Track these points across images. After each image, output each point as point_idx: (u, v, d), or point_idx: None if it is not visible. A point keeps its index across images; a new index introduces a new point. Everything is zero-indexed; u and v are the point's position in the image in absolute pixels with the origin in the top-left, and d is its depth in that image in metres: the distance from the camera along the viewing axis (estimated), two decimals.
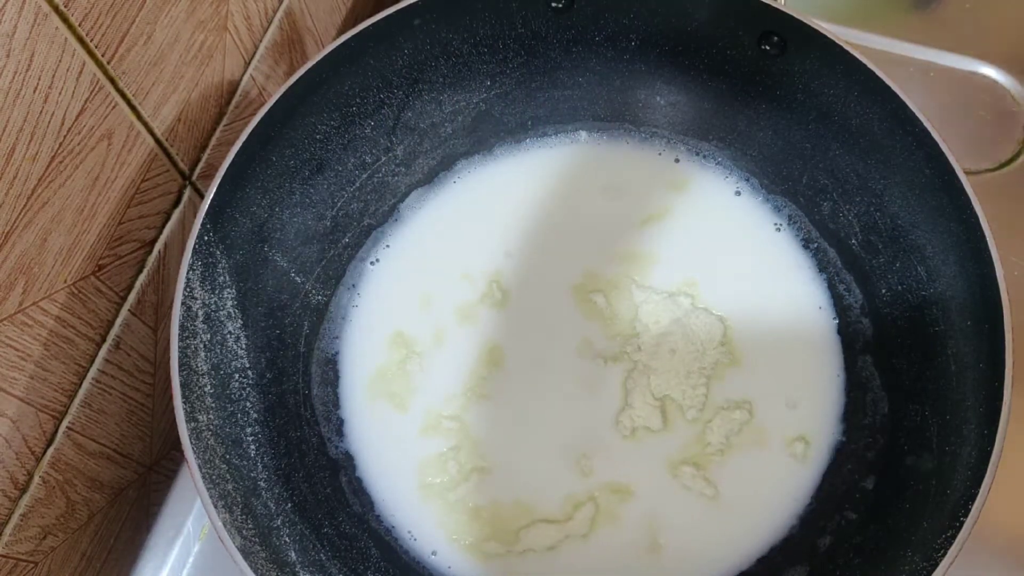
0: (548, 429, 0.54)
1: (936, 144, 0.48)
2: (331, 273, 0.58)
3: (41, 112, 0.40)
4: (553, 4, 0.55)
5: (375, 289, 0.58)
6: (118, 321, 0.50)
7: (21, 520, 0.46)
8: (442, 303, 0.57)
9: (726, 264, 0.58)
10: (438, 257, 0.59)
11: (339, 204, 0.57)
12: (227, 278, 0.49)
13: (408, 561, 0.52)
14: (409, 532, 0.52)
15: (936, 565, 0.40)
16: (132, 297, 0.51)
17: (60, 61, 0.40)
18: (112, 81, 0.44)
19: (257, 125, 0.49)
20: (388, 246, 0.59)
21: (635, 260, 0.58)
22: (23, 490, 0.46)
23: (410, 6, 0.52)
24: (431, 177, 0.61)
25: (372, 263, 0.59)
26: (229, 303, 0.49)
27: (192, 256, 0.46)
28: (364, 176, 0.58)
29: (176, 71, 0.49)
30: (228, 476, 0.45)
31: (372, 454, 0.54)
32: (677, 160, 0.61)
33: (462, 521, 0.52)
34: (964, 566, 0.40)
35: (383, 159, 0.58)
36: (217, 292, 0.48)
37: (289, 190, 0.53)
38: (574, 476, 0.53)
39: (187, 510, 0.54)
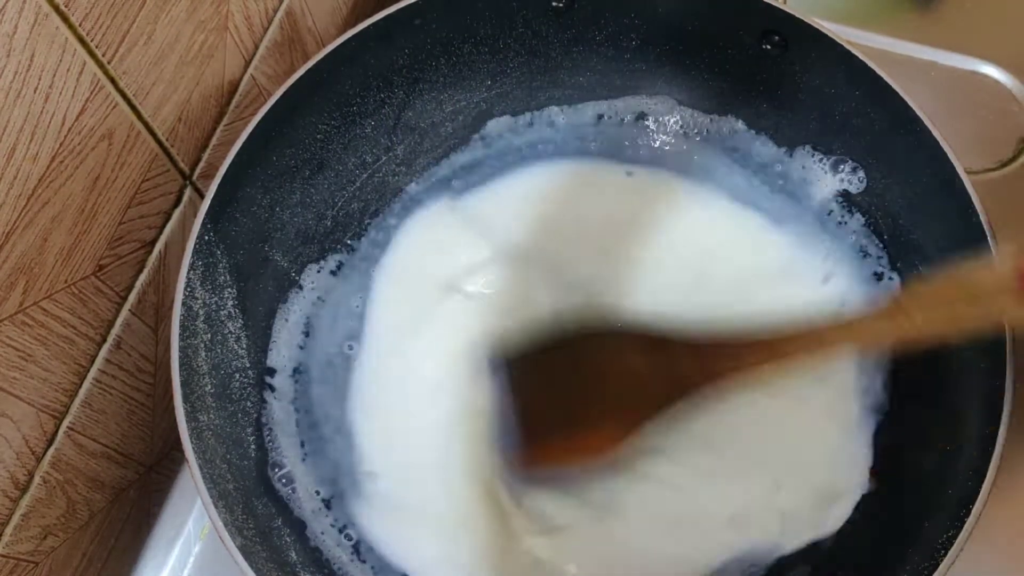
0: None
1: (937, 143, 0.48)
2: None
3: (41, 112, 0.40)
4: (554, 3, 0.55)
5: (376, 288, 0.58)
6: (118, 321, 0.50)
7: (22, 520, 0.46)
8: (442, 302, 0.57)
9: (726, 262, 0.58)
10: (438, 257, 0.59)
11: (339, 204, 0.57)
12: (228, 278, 0.49)
13: None
14: None
15: (937, 565, 0.40)
16: (132, 297, 0.51)
17: (60, 61, 0.40)
18: (112, 81, 0.44)
19: (257, 125, 0.49)
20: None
21: (637, 261, 0.58)
22: (24, 490, 0.46)
23: (410, 5, 0.52)
24: (431, 177, 0.61)
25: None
26: (230, 303, 0.49)
27: (193, 256, 0.46)
28: (364, 176, 0.58)
29: (177, 71, 0.49)
30: (229, 476, 0.45)
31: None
32: None
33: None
34: (965, 566, 0.40)
35: (383, 159, 0.58)
36: (218, 292, 0.48)
37: (289, 190, 0.53)
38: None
39: (188, 510, 0.54)
